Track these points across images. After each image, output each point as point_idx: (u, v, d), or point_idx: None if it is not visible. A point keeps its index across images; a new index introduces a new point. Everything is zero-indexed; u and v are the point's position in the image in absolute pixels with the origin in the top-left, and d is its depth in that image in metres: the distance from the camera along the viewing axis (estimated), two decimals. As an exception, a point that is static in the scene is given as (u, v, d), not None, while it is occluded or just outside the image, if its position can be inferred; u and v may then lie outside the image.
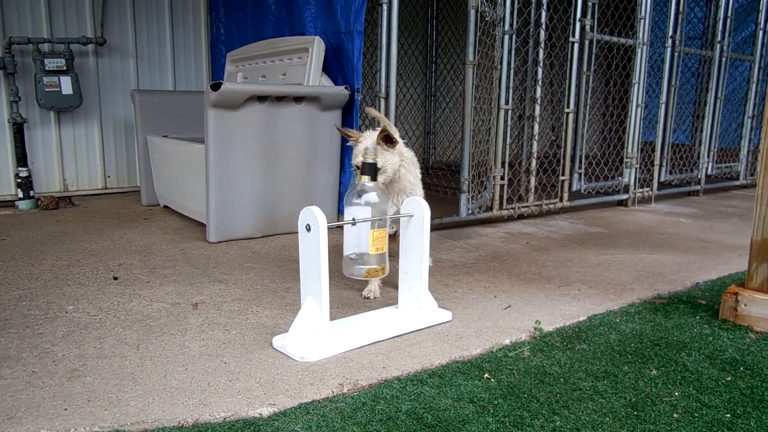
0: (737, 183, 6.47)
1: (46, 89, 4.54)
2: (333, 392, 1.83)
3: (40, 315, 2.40)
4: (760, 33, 6.15)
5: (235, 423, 1.66)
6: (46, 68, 4.52)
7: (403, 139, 3.31)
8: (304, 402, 1.77)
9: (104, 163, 5.10)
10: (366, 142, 2.58)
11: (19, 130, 4.56)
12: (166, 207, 4.54)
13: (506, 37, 4.08)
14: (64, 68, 4.59)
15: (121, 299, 2.60)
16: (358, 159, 2.54)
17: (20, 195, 4.53)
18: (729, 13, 5.80)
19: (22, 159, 4.57)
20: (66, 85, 4.60)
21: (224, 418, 1.68)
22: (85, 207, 4.60)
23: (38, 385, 1.83)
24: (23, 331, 2.23)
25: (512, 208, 4.35)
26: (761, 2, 6.09)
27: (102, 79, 5.00)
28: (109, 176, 5.14)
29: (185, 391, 1.81)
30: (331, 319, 2.19)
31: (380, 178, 2.54)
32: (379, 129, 2.61)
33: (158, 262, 3.16)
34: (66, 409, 1.70)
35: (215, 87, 3.31)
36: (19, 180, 4.53)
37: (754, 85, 6.28)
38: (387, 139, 2.58)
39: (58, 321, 2.34)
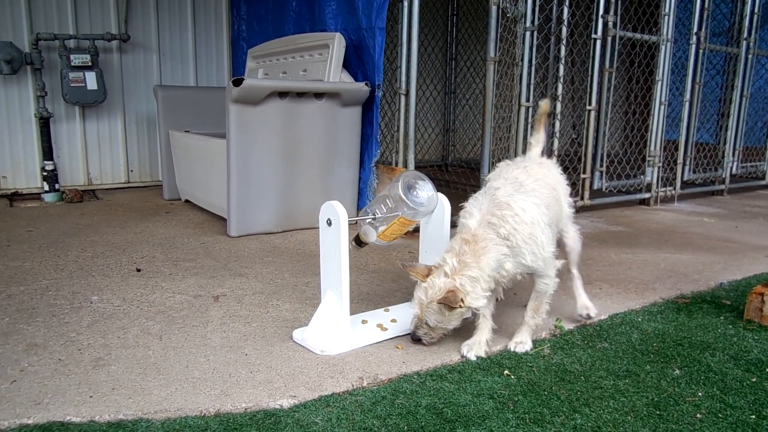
0: (763, 182, 6.34)
1: (72, 84, 4.62)
2: (353, 385, 1.84)
3: (65, 305, 2.45)
4: (789, 30, 6.02)
5: (257, 414, 1.67)
6: (72, 64, 4.60)
7: (421, 137, 3.27)
8: (324, 395, 1.78)
9: (127, 158, 5.17)
10: (422, 299, 2.02)
11: (45, 124, 4.64)
12: (187, 201, 4.59)
13: (527, 34, 4.04)
14: (89, 64, 4.66)
15: (144, 291, 2.64)
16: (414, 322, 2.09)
17: (46, 188, 4.61)
18: (756, 9, 5.68)
19: (47, 153, 4.65)
20: (91, 80, 4.67)
21: (245, 409, 1.70)
22: (109, 200, 4.68)
23: (64, 373, 1.87)
24: (50, 320, 2.28)
25: (532, 206, 4.31)
26: (790, -2, 5.96)
27: (125, 74, 5.07)
28: (131, 170, 5.21)
29: (207, 382, 1.84)
30: (351, 313, 2.20)
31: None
32: (442, 287, 1.97)
33: (180, 255, 3.20)
34: (91, 397, 1.73)
35: (237, 83, 3.34)
36: (45, 173, 4.61)
37: (781, 83, 6.16)
38: (450, 302, 1.97)
39: (83, 311, 2.39)
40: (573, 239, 2.44)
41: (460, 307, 1.96)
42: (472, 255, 1.96)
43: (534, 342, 2.20)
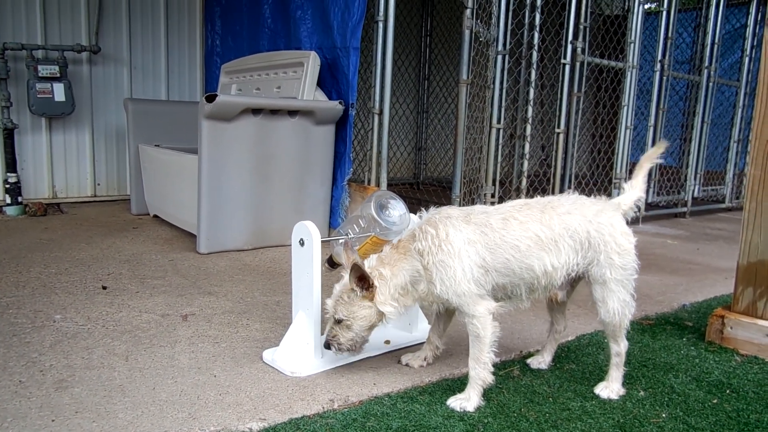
0: (723, 206, 6.57)
1: (39, 95, 4.52)
2: (323, 408, 1.83)
3: (27, 324, 2.37)
4: (746, 59, 6.29)
5: (225, 438, 1.65)
6: (39, 74, 4.51)
7: (393, 155, 3.31)
8: (294, 417, 1.76)
9: (94, 171, 5.07)
10: (336, 289, 1.97)
11: (9, 135, 4.53)
12: (155, 216, 4.52)
13: (499, 58, 4.14)
14: (58, 75, 4.57)
15: (110, 309, 2.58)
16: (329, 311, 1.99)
17: (8, 201, 4.48)
18: (716, 40, 5.93)
19: (11, 164, 4.53)
20: (59, 91, 4.59)
21: (214, 433, 1.67)
22: (74, 214, 4.57)
23: (25, 396, 1.81)
24: (10, 340, 2.21)
25: (502, 226, 4.37)
26: (747, 30, 6.23)
27: (95, 86, 4.99)
28: (98, 184, 5.11)
29: (174, 404, 1.80)
30: (322, 333, 2.18)
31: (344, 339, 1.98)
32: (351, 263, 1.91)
33: (148, 272, 3.14)
34: (53, 420, 1.68)
35: (210, 99, 3.32)
36: (7, 186, 4.49)
37: (740, 110, 6.41)
38: (361, 280, 1.90)
39: (45, 330, 2.32)
40: (607, 312, 1.97)
41: (368, 295, 1.88)
42: (391, 259, 1.94)
43: (503, 363, 2.22)
